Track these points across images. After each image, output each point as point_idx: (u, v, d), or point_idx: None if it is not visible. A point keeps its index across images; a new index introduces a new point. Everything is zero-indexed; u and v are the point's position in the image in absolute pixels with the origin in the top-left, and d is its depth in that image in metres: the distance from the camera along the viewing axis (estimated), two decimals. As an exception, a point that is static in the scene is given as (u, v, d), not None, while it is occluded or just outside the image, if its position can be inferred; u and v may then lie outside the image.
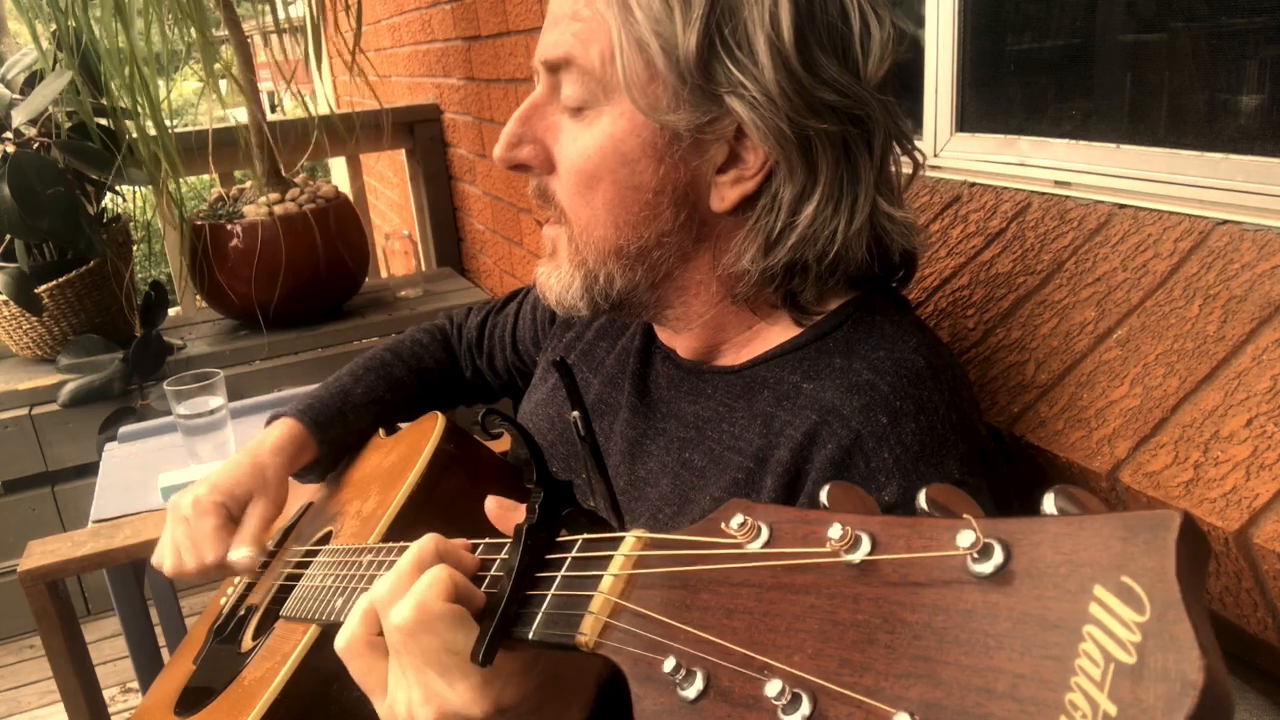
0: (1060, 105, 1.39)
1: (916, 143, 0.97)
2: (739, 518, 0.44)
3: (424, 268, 3.97)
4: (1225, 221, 1.04)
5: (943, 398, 0.84)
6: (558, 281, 0.96)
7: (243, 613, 1.23)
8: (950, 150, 1.47)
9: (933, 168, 1.48)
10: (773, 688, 0.38)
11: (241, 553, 1.16)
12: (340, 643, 0.71)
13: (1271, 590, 0.80)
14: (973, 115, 1.46)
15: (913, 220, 0.93)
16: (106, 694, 2.33)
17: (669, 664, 0.43)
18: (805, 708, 0.37)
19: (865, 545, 0.39)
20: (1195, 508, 0.84)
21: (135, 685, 2.60)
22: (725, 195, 0.88)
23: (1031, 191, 1.28)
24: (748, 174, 0.86)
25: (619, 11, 0.83)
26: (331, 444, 1.30)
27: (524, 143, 0.93)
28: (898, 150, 0.93)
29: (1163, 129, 1.23)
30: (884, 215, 0.89)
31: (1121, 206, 1.15)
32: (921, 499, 0.38)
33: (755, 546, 0.43)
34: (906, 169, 0.96)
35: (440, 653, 0.63)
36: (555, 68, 0.90)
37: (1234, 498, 0.83)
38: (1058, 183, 1.26)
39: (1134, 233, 1.11)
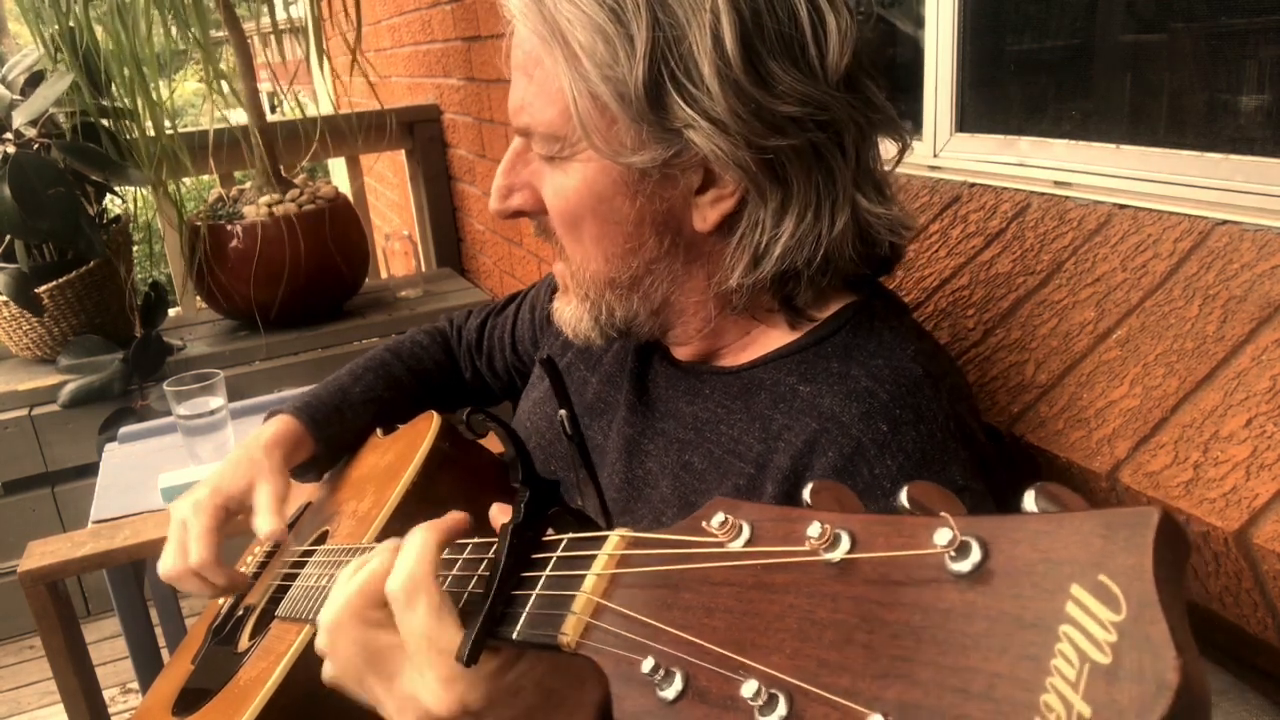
0: (1060, 105, 1.39)
1: (903, 128, 0.95)
2: (720, 516, 0.44)
3: (424, 268, 3.98)
4: (1225, 221, 1.03)
5: (941, 406, 0.84)
6: (571, 315, 0.98)
7: (241, 613, 1.23)
8: (950, 150, 1.47)
9: (933, 168, 1.48)
10: (749, 688, 0.37)
11: (263, 523, 1.16)
12: (328, 674, 0.72)
13: (1271, 590, 0.80)
14: (973, 115, 1.46)
15: (897, 215, 0.92)
16: (106, 694, 2.33)
17: (648, 664, 0.43)
18: (782, 708, 0.36)
19: (845, 544, 0.38)
20: (1195, 508, 0.84)
21: (135, 685, 2.60)
22: (707, 216, 0.88)
23: (1031, 192, 1.28)
24: (726, 193, 0.86)
25: (567, 65, 0.83)
26: (329, 442, 1.30)
27: (514, 191, 0.95)
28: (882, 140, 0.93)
29: (1163, 129, 1.23)
30: (866, 211, 0.89)
31: (1121, 206, 1.15)
32: (903, 497, 0.37)
33: (736, 545, 0.43)
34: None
35: (419, 636, 0.63)
36: (521, 133, 0.92)
37: (1234, 498, 0.82)
38: (1058, 183, 1.26)
39: (1134, 233, 1.10)
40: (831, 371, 0.87)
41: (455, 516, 0.71)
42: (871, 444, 0.81)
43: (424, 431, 1.13)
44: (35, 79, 2.73)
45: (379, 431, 1.33)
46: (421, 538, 0.68)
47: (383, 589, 0.67)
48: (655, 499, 0.96)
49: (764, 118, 0.81)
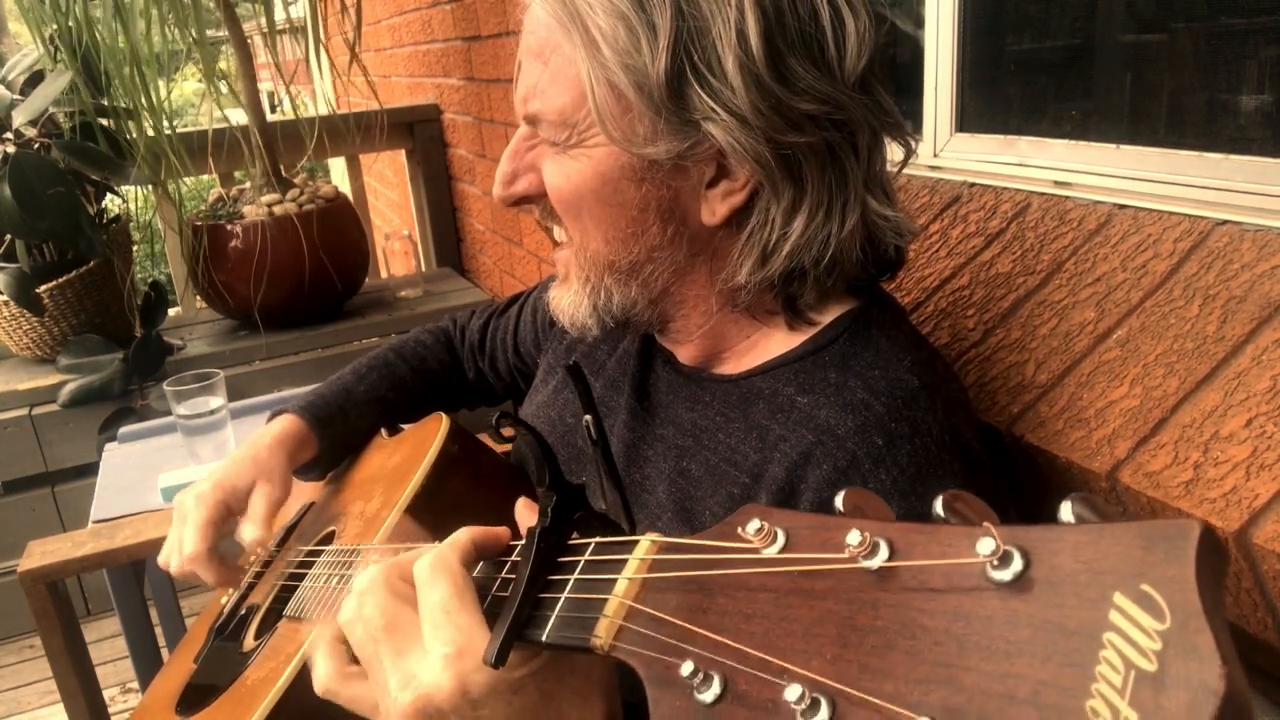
0: (1060, 105, 1.39)
1: (910, 133, 0.96)
2: (755, 522, 0.44)
3: (424, 268, 3.97)
4: (1225, 221, 1.04)
5: (936, 418, 0.84)
6: (570, 303, 0.97)
7: (244, 612, 1.23)
8: (950, 150, 1.47)
9: (933, 168, 1.48)
10: (792, 692, 0.38)
11: (249, 530, 1.16)
12: (320, 684, 0.72)
13: (1271, 590, 0.80)
14: (973, 115, 1.46)
15: (903, 218, 0.92)
16: (106, 694, 2.33)
17: (686, 667, 0.43)
18: (824, 713, 0.37)
19: (884, 551, 0.39)
20: (1195, 508, 0.85)
21: (135, 685, 2.60)
22: (716, 209, 0.88)
23: (1031, 192, 1.28)
24: (737, 187, 0.86)
25: (586, 51, 0.82)
26: (332, 440, 1.31)
27: (519, 177, 0.95)
28: (888, 141, 0.93)
29: (1163, 129, 1.23)
30: (874, 213, 0.89)
31: (1121, 206, 1.16)
32: (939, 505, 0.38)
33: (772, 551, 0.43)
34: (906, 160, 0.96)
35: (436, 609, 0.64)
36: (529, 120, 0.92)
37: (1234, 498, 0.83)
38: (1058, 183, 1.26)
39: (1134, 233, 1.11)
40: (829, 382, 0.87)
41: (499, 530, 0.72)
42: (866, 458, 0.81)
43: (433, 433, 1.13)
44: (35, 79, 2.71)
45: (384, 432, 1.33)
46: (459, 533, 0.69)
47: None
48: (652, 504, 0.96)
49: (783, 113, 0.81)
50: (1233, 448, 0.86)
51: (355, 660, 0.70)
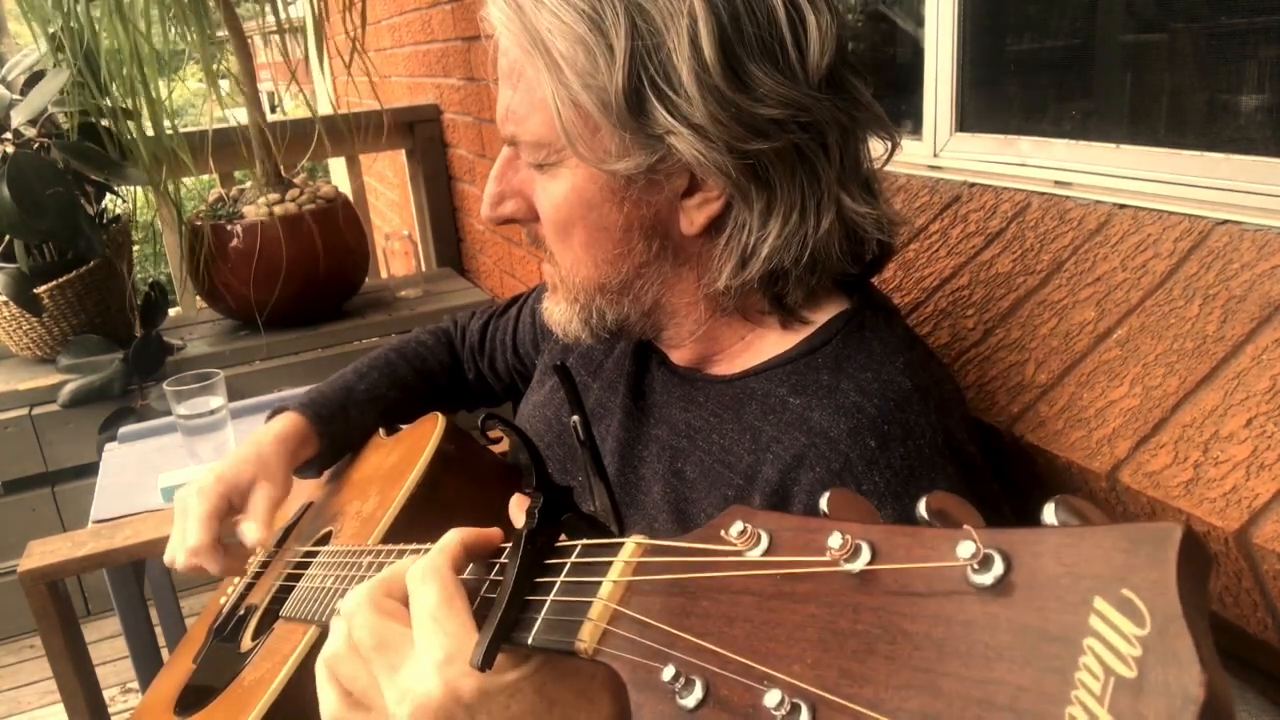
0: (1060, 105, 1.39)
1: (891, 126, 0.96)
2: (739, 525, 0.44)
3: (424, 268, 3.97)
4: (1225, 221, 1.04)
5: (929, 420, 0.84)
6: (560, 315, 0.99)
7: (242, 612, 1.23)
8: (950, 150, 1.47)
9: (933, 167, 1.48)
10: (772, 698, 0.38)
11: (251, 530, 1.16)
12: (329, 716, 0.71)
13: (1271, 590, 0.80)
14: (973, 115, 1.46)
15: (885, 212, 0.92)
16: (106, 694, 2.33)
17: (668, 672, 0.43)
18: (804, 718, 0.36)
19: (866, 554, 0.38)
20: (1195, 508, 0.84)
21: (135, 685, 2.60)
22: (693, 219, 0.88)
23: (1031, 191, 1.28)
24: (712, 196, 0.87)
25: (550, 74, 0.83)
26: (333, 439, 1.31)
27: (506, 199, 0.96)
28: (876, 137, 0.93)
29: (1163, 129, 1.23)
30: (850, 211, 0.89)
31: (1121, 206, 1.15)
32: (922, 508, 0.37)
33: (755, 554, 0.43)
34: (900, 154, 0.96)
35: (427, 615, 0.63)
36: (508, 142, 0.93)
37: (1234, 498, 0.83)
38: (1058, 183, 1.26)
39: (1134, 233, 1.11)
40: (821, 384, 0.87)
41: (491, 531, 0.71)
42: (859, 460, 0.81)
43: (429, 433, 1.13)
44: (35, 79, 2.71)
45: (382, 431, 1.33)
46: (448, 535, 0.69)
47: (403, 579, 0.67)
48: (647, 504, 0.96)
49: (744, 121, 0.81)
50: (1233, 447, 0.86)
51: None
